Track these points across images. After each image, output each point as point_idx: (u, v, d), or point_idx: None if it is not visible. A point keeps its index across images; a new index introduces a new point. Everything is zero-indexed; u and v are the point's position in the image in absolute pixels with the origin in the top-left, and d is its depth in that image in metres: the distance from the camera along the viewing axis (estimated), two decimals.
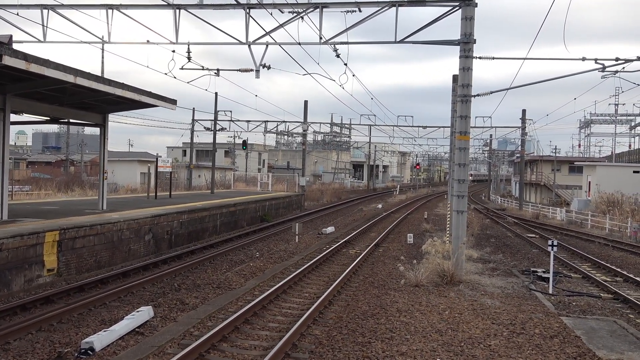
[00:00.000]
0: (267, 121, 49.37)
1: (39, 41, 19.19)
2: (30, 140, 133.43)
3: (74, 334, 10.11)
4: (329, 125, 69.99)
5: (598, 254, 23.28)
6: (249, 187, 50.76)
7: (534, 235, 29.86)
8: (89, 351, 8.98)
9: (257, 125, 48.99)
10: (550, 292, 14.94)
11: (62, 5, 18.75)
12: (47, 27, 18.75)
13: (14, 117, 17.62)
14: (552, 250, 15.57)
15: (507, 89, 18.88)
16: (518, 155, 64.93)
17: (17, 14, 18.77)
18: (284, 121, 51.46)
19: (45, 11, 18.65)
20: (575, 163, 65.47)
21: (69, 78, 14.18)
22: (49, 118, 19.47)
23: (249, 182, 56.51)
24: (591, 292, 15.38)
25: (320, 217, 36.69)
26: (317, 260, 18.00)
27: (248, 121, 48.51)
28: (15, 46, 12.73)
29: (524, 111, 50.85)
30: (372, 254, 20.69)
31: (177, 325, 10.77)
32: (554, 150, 71.21)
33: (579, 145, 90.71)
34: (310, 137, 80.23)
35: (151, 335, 10.12)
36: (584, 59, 17.70)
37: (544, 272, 17.21)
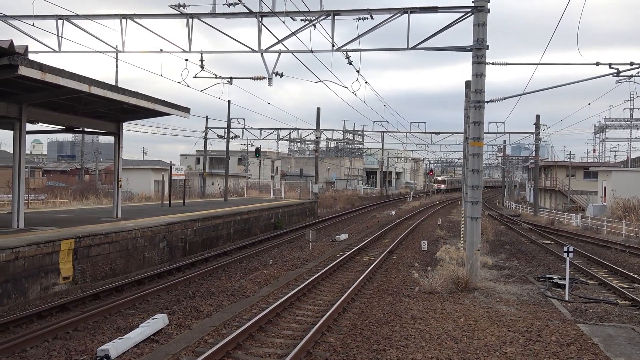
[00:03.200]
0: (280, 129, 49.55)
1: (54, 51, 19.40)
2: (46, 149, 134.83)
3: (89, 341, 10.15)
4: (341, 132, 69.99)
5: (615, 260, 23.03)
6: (262, 195, 50.87)
7: (549, 242, 29.63)
8: (104, 359, 9.02)
9: (270, 133, 49.21)
10: (567, 299, 14.80)
11: (77, 16, 18.96)
12: (62, 37, 18.97)
13: (29, 127, 17.79)
14: (568, 256, 15.43)
15: (521, 95, 18.81)
16: (532, 161, 64.57)
17: (33, 25, 19.01)
18: (296, 128, 51.69)
19: (60, 21, 18.88)
20: (590, 168, 64.92)
21: (84, 87, 14.31)
22: (64, 127, 19.66)
23: (262, 189, 56.63)
24: (608, 298, 15.22)
25: (333, 224, 36.66)
26: (331, 268, 17.97)
27: (261, 129, 48.73)
28: (30, 56, 12.85)
29: (537, 117, 50.63)
30: (386, 261, 20.62)
31: (192, 332, 10.79)
32: (568, 156, 70.79)
33: (594, 151, 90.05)
34: (322, 144, 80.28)
35: (166, 342, 10.15)
36: (598, 63, 17.61)
37: (559, 278, 17.06)
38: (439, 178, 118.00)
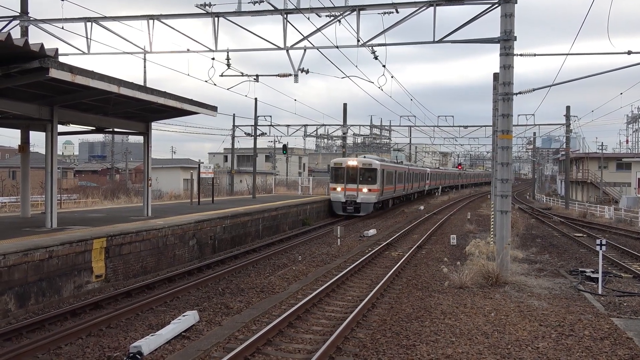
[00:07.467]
0: (307, 125, 49.56)
1: (84, 53, 19.69)
2: (77, 150, 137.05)
3: (122, 338, 10.32)
4: (368, 128, 69.70)
5: None
6: (290, 191, 50.99)
7: (581, 235, 29.16)
8: (137, 355, 9.14)
9: (297, 130, 49.21)
10: (600, 292, 14.55)
11: (105, 18, 19.22)
12: (90, 39, 19.24)
13: (61, 128, 18.12)
14: (601, 249, 15.17)
15: (550, 86, 18.50)
16: (563, 153, 63.57)
17: (62, 28, 19.32)
18: (323, 124, 51.57)
19: (89, 24, 19.14)
20: (623, 159, 63.73)
21: (113, 88, 14.49)
22: (94, 128, 19.95)
23: (289, 186, 56.77)
24: None
25: (361, 220, 36.58)
26: (360, 263, 17.95)
27: (288, 125, 48.78)
28: (60, 59, 13.05)
29: (568, 108, 49.78)
30: (414, 256, 20.52)
31: (222, 329, 10.88)
32: (600, 147, 69.49)
33: (627, 141, 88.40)
34: (350, 140, 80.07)
35: (197, 339, 10.26)
36: (629, 52, 17.22)
37: (592, 272, 16.78)
38: (351, 163, 38.29)
